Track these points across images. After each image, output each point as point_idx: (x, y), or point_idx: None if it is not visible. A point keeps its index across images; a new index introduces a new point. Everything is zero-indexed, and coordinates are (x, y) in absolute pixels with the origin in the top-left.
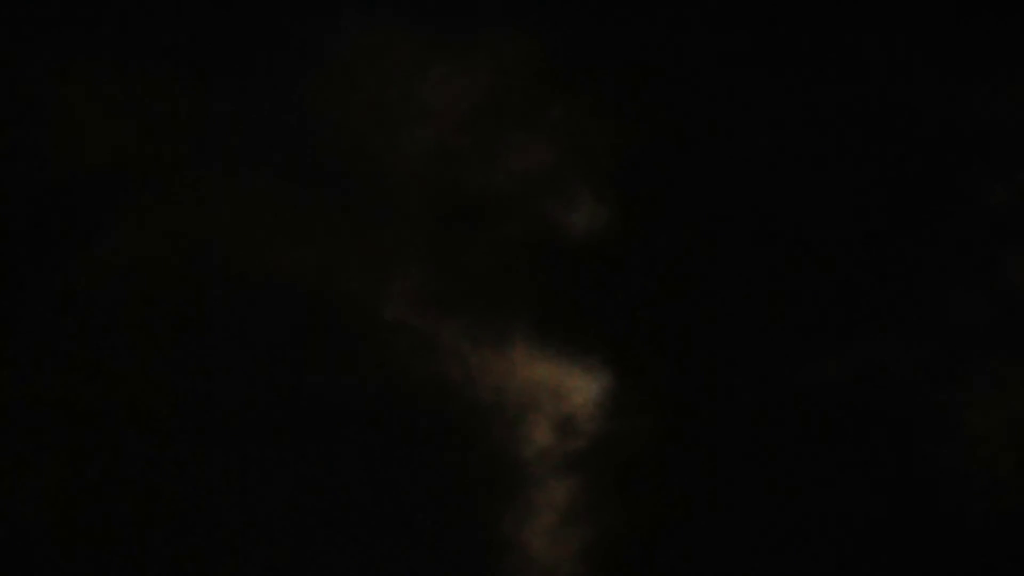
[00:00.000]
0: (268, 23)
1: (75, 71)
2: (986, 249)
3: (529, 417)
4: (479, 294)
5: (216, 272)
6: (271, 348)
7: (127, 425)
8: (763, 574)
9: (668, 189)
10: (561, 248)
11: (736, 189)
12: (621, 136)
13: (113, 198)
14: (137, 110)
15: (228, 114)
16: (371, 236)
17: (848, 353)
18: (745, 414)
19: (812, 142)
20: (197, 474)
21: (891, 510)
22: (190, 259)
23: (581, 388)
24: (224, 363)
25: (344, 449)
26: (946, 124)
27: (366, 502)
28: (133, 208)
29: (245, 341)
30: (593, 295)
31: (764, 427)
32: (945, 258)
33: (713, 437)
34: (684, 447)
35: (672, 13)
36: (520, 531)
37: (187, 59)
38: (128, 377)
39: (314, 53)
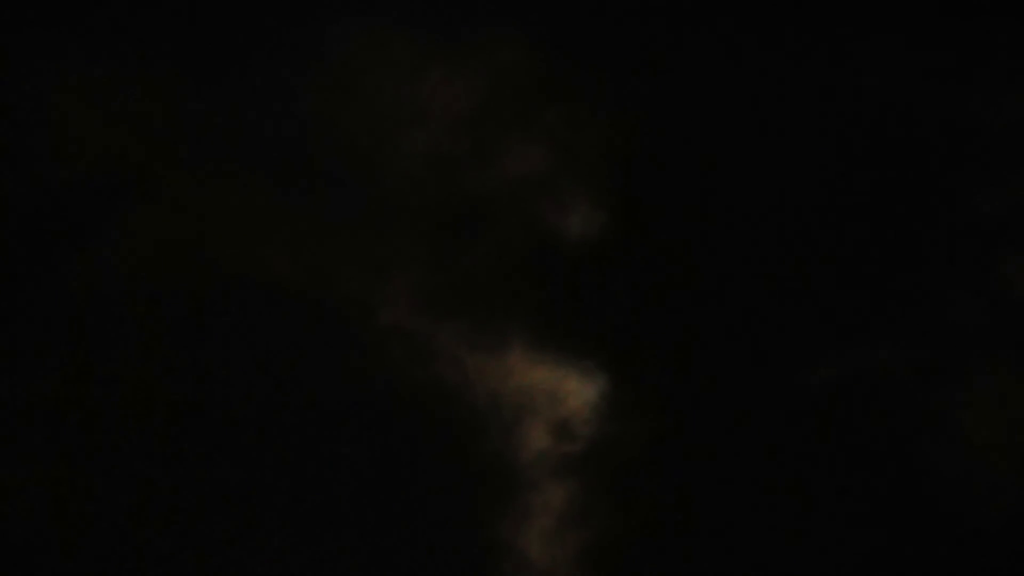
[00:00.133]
0: (266, 27)
1: (72, 75)
2: (985, 250)
3: (526, 421)
4: (476, 298)
5: (214, 275)
6: (268, 351)
7: (126, 425)
8: None
9: (664, 193)
10: (557, 252)
11: (733, 193)
12: (617, 141)
13: (111, 201)
14: (135, 113)
15: (226, 117)
16: (368, 240)
17: (847, 354)
18: (741, 417)
19: (810, 144)
20: (196, 476)
21: (891, 510)
22: (188, 262)
23: (577, 392)
24: (222, 366)
25: (341, 452)
26: (945, 125)
27: (363, 505)
28: (131, 211)
29: (243, 344)
30: (589, 299)
31: (761, 430)
32: (944, 259)
33: (709, 440)
34: (680, 450)
35: (668, 17)
36: (517, 534)
37: (184, 63)
38: (126, 380)
39: (311, 57)
